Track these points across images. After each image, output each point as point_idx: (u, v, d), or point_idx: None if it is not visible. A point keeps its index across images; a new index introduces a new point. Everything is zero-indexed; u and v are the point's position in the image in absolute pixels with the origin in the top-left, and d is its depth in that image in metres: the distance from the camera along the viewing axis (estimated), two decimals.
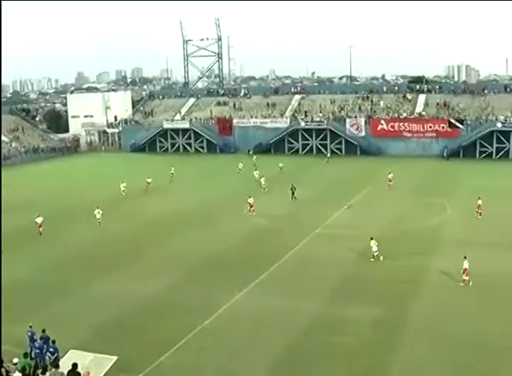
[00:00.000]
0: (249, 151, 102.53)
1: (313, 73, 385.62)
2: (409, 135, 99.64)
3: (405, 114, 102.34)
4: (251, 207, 57.39)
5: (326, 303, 34.49)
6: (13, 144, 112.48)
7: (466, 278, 36.50)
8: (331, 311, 33.33)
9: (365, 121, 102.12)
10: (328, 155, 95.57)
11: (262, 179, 70.92)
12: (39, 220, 53.80)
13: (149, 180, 72.25)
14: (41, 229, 53.48)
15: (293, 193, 63.83)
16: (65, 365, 24.12)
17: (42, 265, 43.91)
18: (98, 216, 55.85)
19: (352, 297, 35.35)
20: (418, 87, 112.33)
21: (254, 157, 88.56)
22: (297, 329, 31.09)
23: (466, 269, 36.42)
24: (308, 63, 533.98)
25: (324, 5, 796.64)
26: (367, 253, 42.74)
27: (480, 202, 53.67)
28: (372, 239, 42.71)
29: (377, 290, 36.26)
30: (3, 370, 23.31)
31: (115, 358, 25.13)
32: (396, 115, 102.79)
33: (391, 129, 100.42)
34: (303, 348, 29.00)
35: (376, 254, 42.12)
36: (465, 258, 36.70)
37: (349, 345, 29.06)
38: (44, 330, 27.10)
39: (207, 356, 28.40)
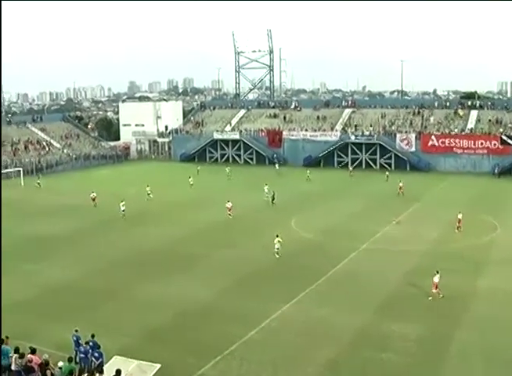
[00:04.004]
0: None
1: (364, 87, 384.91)
2: (459, 151, 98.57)
3: (456, 130, 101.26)
4: (229, 210, 61.97)
5: (371, 318, 34.17)
6: (65, 151, 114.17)
7: (436, 291, 36.59)
8: (376, 326, 32.99)
9: (416, 137, 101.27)
10: (351, 169, 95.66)
11: (265, 188, 71.91)
12: (93, 195, 68.68)
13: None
14: (95, 201, 67.85)
15: (273, 199, 67.37)
16: (109, 371, 24.23)
17: (90, 269, 44.57)
18: (122, 208, 62.38)
19: (398, 313, 34.96)
20: (470, 103, 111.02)
21: (308, 171, 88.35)
22: (342, 343, 30.85)
23: (436, 283, 36.58)
24: (359, 76, 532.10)
25: (377, 19, 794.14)
26: (415, 269, 42.51)
27: (460, 216, 54.11)
28: (277, 236, 46.87)
29: (424, 307, 35.78)
30: (49, 372, 23.60)
31: (158, 366, 25.17)
32: (447, 131, 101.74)
33: (442, 145, 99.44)
34: (346, 362, 28.82)
35: (277, 250, 46.39)
36: (437, 272, 36.99)
37: (393, 362, 28.70)
38: (93, 336, 27.32)
39: (250, 368, 28.32)
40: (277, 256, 46.43)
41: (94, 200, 69.12)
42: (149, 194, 72.42)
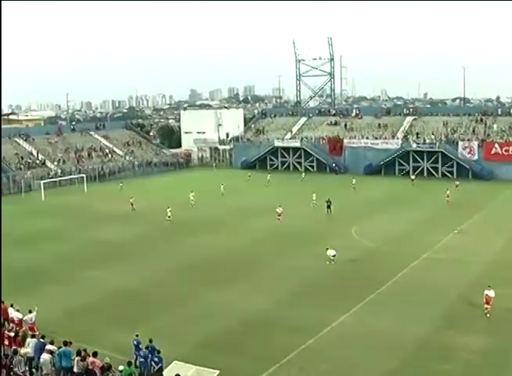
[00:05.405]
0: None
1: (425, 94, 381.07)
2: None
3: None
4: (279, 215, 63.38)
5: (432, 328, 33.63)
6: (127, 158, 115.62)
7: (488, 306, 35.19)
8: (437, 337, 32.41)
9: (479, 145, 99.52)
10: (413, 177, 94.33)
11: (314, 195, 72.74)
12: (132, 201, 71.68)
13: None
14: (133, 206, 71.10)
15: (328, 207, 67.33)
16: (168, 375, 24.54)
17: (150, 275, 45.20)
18: (169, 214, 63.94)
19: (461, 324, 34.33)
20: None
21: (354, 180, 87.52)
22: (402, 354, 30.46)
23: (490, 298, 35.23)
24: (420, 83, 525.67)
25: (438, 25, 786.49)
26: (478, 279, 41.54)
27: None
28: (327, 249, 46.89)
29: (488, 318, 35.03)
30: (110, 375, 23.95)
31: (217, 372, 25.23)
32: (511, 139, 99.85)
33: (505, 153, 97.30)
34: (407, 373, 28.47)
35: (332, 258, 46.44)
36: (489, 286, 35.52)
37: (456, 374, 28.25)
38: (151, 340, 27.62)
39: None
40: (332, 263, 46.30)
41: (132, 205, 71.58)
42: (192, 200, 74.04)
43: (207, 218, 66.74)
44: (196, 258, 49.74)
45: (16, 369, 24.54)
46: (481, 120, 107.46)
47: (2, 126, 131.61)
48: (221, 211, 71.03)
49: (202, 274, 45.20)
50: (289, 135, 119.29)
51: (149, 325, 33.51)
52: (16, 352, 25.27)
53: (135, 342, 28.36)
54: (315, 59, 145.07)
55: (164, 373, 25.33)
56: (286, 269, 45.99)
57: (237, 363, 29.33)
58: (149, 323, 34.31)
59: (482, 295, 35.56)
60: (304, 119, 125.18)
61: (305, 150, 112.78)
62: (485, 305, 35.37)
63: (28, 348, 26.33)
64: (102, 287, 41.67)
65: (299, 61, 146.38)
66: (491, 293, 35.34)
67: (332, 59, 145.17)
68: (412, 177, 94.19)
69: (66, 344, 25.53)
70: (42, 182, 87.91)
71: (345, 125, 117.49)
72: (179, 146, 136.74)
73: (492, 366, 29.02)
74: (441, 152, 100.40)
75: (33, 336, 27.41)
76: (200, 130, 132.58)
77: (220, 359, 28.87)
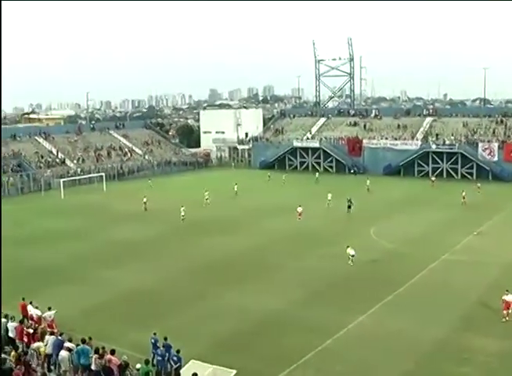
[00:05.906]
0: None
1: (445, 95, 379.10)
2: None
3: None
4: (299, 215, 63.87)
5: (450, 331, 33.39)
6: (146, 157, 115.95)
7: (506, 312, 34.57)
8: (455, 339, 32.21)
9: (499, 146, 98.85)
10: (433, 179, 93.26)
11: (329, 195, 72.90)
12: (145, 199, 71.73)
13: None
14: (146, 205, 71.46)
15: (349, 207, 67.49)
16: (185, 374, 24.57)
17: (164, 275, 45.28)
18: (182, 213, 64.35)
19: (479, 327, 34.08)
20: None
21: (368, 181, 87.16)
22: (418, 355, 30.30)
23: (508, 303, 34.66)
24: (440, 84, 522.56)
25: (458, 26, 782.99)
26: (497, 282, 41.28)
27: None
28: (348, 247, 46.91)
29: (507, 322, 34.58)
30: (128, 373, 24.05)
31: (234, 372, 25.22)
32: None
33: None
34: (423, 375, 28.37)
35: (352, 258, 46.27)
36: (507, 291, 35.03)
37: None
38: (166, 338, 27.70)
39: None
40: (350, 264, 46.15)
41: (145, 204, 71.93)
42: (206, 199, 74.49)
43: (223, 217, 66.91)
44: (211, 257, 49.74)
45: (33, 365, 24.74)
46: (502, 121, 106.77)
47: (23, 125, 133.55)
48: (236, 211, 71.19)
49: (216, 274, 45.22)
50: (308, 136, 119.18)
51: (164, 324, 33.47)
52: (28, 347, 25.50)
53: (153, 341, 28.43)
54: (334, 59, 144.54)
55: (182, 372, 25.39)
56: (303, 270, 45.95)
57: (253, 363, 29.30)
58: (164, 322, 34.34)
59: (500, 299, 35.23)
60: (323, 119, 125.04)
61: (324, 151, 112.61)
62: (504, 311, 34.96)
63: (40, 343, 26.54)
64: (118, 287, 41.77)
65: (318, 61, 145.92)
66: (509, 298, 34.93)
67: (351, 60, 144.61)
68: (433, 178, 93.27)
69: (84, 341, 25.71)
70: (62, 180, 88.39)
71: (364, 126, 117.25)
72: (198, 145, 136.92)
73: (509, 370, 28.80)
74: (461, 153, 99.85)
75: (51, 333, 27.57)
76: (219, 130, 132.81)
77: (235, 359, 28.78)
